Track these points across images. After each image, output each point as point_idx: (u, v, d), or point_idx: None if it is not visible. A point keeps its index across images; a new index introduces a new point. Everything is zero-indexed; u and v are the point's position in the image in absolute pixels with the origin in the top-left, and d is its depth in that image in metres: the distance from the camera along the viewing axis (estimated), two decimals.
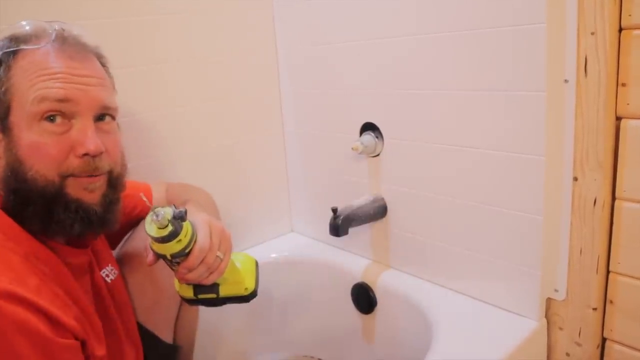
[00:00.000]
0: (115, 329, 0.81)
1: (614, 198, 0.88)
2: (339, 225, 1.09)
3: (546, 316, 0.99)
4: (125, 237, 0.98)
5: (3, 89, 0.66)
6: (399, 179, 1.15)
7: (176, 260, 0.71)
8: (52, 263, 0.68)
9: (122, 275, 0.90)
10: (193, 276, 0.72)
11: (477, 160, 0.98)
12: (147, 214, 0.96)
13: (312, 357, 1.39)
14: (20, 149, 0.65)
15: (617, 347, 0.93)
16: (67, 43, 0.69)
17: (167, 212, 0.67)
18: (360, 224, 1.16)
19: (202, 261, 0.71)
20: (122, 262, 0.93)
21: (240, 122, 1.34)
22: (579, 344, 0.96)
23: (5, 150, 0.66)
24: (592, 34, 0.83)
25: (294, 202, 1.49)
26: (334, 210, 1.11)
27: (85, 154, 0.67)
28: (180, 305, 1.00)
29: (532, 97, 0.87)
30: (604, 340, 0.95)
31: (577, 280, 0.94)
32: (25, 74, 0.65)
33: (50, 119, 0.65)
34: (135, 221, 0.96)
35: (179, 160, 1.24)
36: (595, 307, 0.93)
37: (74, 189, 0.68)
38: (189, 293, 0.77)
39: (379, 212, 1.19)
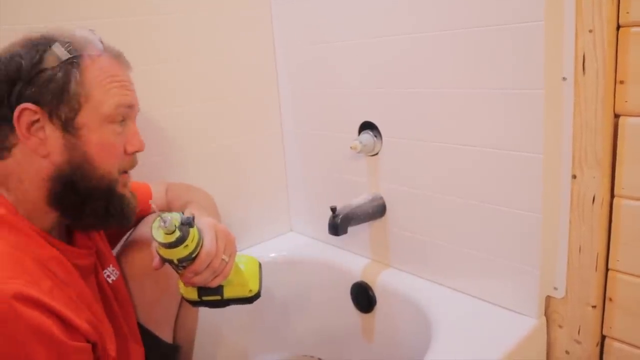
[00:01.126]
0: (121, 329, 0.82)
1: (612, 195, 0.88)
2: (338, 225, 1.09)
3: (545, 314, 0.99)
4: (125, 236, 0.98)
5: (78, 90, 0.69)
6: (398, 177, 1.15)
7: (182, 265, 0.71)
8: (63, 265, 0.69)
9: (123, 275, 0.90)
10: (199, 280, 0.73)
11: (475, 158, 0.98)
12: (148, 213, 0.97)
13: (311, 357, 1.39)
14: (90, 147, 0.70)
15: (616, 344, 0.93)
16: (114, 52, 0.76)
17: (175, 218, 0.68)
18: (359, 223, 1.16)
19: (208, 265, 0.72)
20: (122, 261, 0.93)
21: (238, 122, 1.34)
22: (578, 342, 0.96)
23: (65, 149, 0.70)
24: (590, 31, 0.83)
25: (293, 202, 1.49)
26: (333, 210, 1.11)
27: (135, 151, 0.77)
28: (180, 304, 1.00)
29: (530, 95, 0.87)
30: (603, 337, 0.95)
31: (576, 278, 0.94)
32: (99, 80, 0.71)
33: (121, 122, 0.74)
34: (136, 220, 0.96)
35: (178, 160, 1.24)
36: (594, 304, 0.93)
37: (119, 186, 0.76)
38: (193, 295, 0.77)
39: (377, 211, 1.19)
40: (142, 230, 0.96)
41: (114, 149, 0.73)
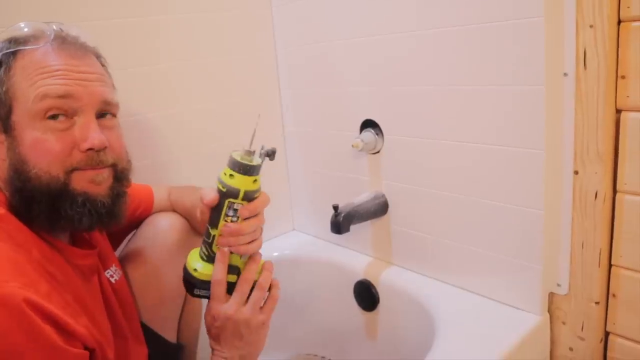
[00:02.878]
0: (122, 330, 0.81)
1: (615, 191, 0.88)
2: (341, 223, 1.09)
3: (549, 311, 0.99)
4: (128, 237, 0.99)
5: (4, 89, 0.66)
6: (400, 175, 1.15)
7: (236, 207, 0.69)
8: (61, 267, 0.68)
9: (126, 275, 0.91)
10: (245, 229, 0.70)
11: (477, 155, 0.98)
12: (149, 214, 0.97)
13: (315, 355, 1.39)
14: (23, 147, 0.65)
15: (620, 340, 0.92)
16: (66, 42, 0.70)
17: (258, 148, 0.68)
18: (361, 221, 1.16)
19: (257, 216, 0.71)
20: (126, 262, 0.93)
21: (239, 121, 1.34)
22: (582, 338, 0.96)
23: (8, 151, 0.67)
24: (591, 26, 0.83)
25: (295, 201, 1.49)
26: (335, 208, 1.11)
27: (90, 149, 0.67)
28: (184, 304, 1.00)
29: (531, 91, 0.87)
30: (607, 334, 0.94)
31: (579, 274, 0.94)
32: (25, 73, 0.66)
33: (53, 117, 0.66)
34: (137, 221, 0.96)
35: (179, 160, 1.24)
36: (597, 301, 0.93)
37: (80, 183, 0.68)
38: (208, 271, 0.73)
39: (380, 209, 1.19)
40: (145, 230, 0.96)
41: (50, 148, 0.65)
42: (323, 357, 1.38)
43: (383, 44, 1.09)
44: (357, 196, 1.19)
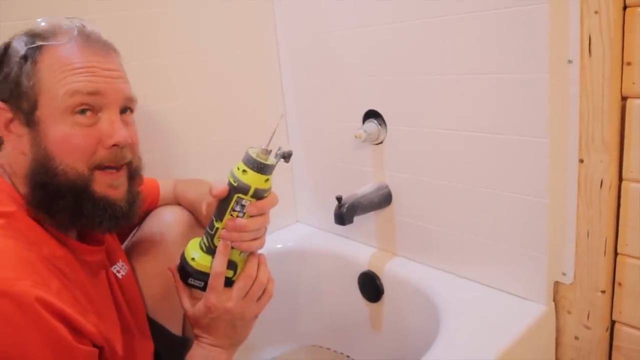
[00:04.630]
0: (128, 326, 0.81)
1: (620, 179, 0.87)
2: (344, 214, 1.09)
3: (554, 300, 0.98)
4: (134, 230, 0.99)
5: (30, 83, 0.66)
6: (403, 166, 1.14)
7: (244, 202, 0.70)
8: (70, 263, 0.68)
9: (132, 269, 0.91)
10: (250, 226, 0.71)
11: (481, 144, 0.97)
12: (155, 207, 0.97)
13: (320, 347, 1.40)
14: (49, 142, 0.66)
15: (626, 329, 0.92)
16: (90, 39, 0.70)
17: (275, 148, 0.69)
18: (365, 212, 1.16)
19: (263, 215, 0.72)
20: (131, 255, 0.93)
21: (241, 114, 1.34)
22: (587, 327, 0.96)
23: (31, 145, 0.67)
24: (596, 12, 0.82)
25: (299, 193, 1.49)
26: (339, 199, 1.10)
27: (114, 145, 0.69)
28: None
29: (536, 79, 0.86)
30: (613, 322, 0.94)
31: (584, 263, 0.93)
32: (53, 69, 0.67)
33: (82, 112, 0.67)
34: (144, 214, 0.97)
35: (182, 153, 1.24)
36: (603, 289, 0.92)
37: (100, 186, 0.69)
38: (206, 262, 0.73)
39: (383, 200, 1.18)
40: (150, 224, 0.96)
41: (77, 143, 0.67)
42: (328, 349, 1.38)
43: (385, 34, 1.08)
44: (361, 187, 1.19)
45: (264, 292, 0.76)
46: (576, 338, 0.98)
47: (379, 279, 1.21)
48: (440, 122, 1.03)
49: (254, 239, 0.73)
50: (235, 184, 0.69)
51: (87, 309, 0.65)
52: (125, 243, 0.97)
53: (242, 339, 0.78)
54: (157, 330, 0.91)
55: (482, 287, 1.05)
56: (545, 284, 0.95)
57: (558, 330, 1.00)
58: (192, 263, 0.74)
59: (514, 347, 0.88)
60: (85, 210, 0.68)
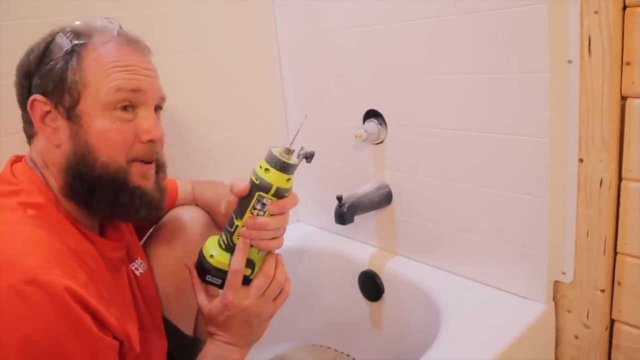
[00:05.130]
0: (145, 324, 0.82)
1: (620, 178, 0.88)
2: (345, 213, 1.09)
3: (554, 299, 0.99)
4: (151, 229, 0.99)
5: (76, 79, 0.69)
6: (403, 165, 1.14)
7: (265, 201, 0.70)
8: (94, 258, 0.70)
9: (149, 267, 0.91)
10: (270, 225, 0.71)
11: (481, 144, 0.97)
12: (174, 206, 0.97)
13: (321, 346, 1.40)
14: (90, 136, 0.69)
15: (625, 328, 0.92)
16: (130, 39, 0.74)
17: (297, 148, 0.70)
18: (365, 212, 1.16)
19: (283, 214, 0.72)
20: (148, 253, 0.94)
21: (242, 113, 1.34)
22: (587, 326, 0.96)
23: (70, 138, 0.70)
24: (596, 12, 0.82)
25: (299, 192, 1.47)
26: (339, 199, 1.11)
27: (150, 141, 0.73)
28: None
29: (535, 79, 0.86)
30: (612, 321, 0.94)
31: (584, 262, 0.94)
32: (98, 66, 0.70)
33: (123, 108, 0.71)
34: (162, 214, 0.97)
35: (183, 153, 1.24)
36: (603, 288, 0.92)
37: (135, 177, 0.73)
38: (224, 259, 0.73)
39: (384, 199, 1.18)
40: (167, 223, 0.97)
41: (118, 137, 0.70)
42: (329, 348, 1.39)
43: (386, 33, 1.09)
44: (361, 187, 1.19)
45: (280, 291, 0.77)
46: (576, 337, 0.98)
47: (379, 278, 1.21)
48: (441, 121, 1.03)
49: (273, 238, 0.73)
50: (257, 182, 0.70)
51: (109, 303, 0.66)
52: (142, 241, 0.98)
53: (256, 338, 0.79)
54: (169, 330, 0.91)
55: (482, 286, 1.05)
56: (545, 283, 0.95)
57: (558, 329, 1.00)
58: (210, 260, 0.74)
59: (514, 346, 0.88)
60: (122, 200, 0.71)
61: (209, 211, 0.98)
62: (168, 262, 0.93)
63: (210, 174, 1.14)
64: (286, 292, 0.77)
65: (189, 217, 0.97)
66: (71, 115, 0.69)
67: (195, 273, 0.76)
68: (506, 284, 1.01)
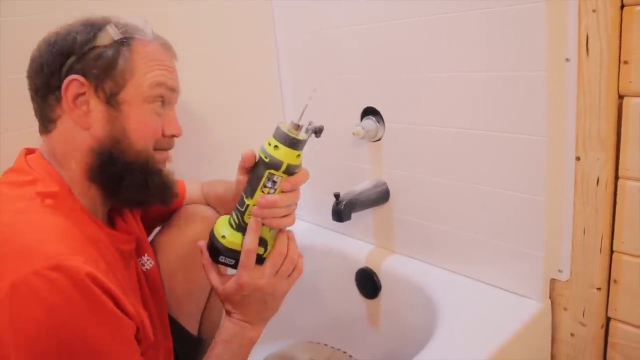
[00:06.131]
0: (152, 318, 0.82)
1: (617, 177, 0.88)
2: (342, 211, 1.09)
3: (550, 297, 0.99)
4: (158, 227, 1.00)
5: (125, 67, 0.72)
6: (401, 163, 1.14)
7: (275, 179, 0.70)
8: (109, 249, 0.71)
9: (157, 264, 0.92)
10: (281, 202, 0.71)
11: (479, 142, 0.97)
12: (181, 204, 0.98)
13: (318, 343, 1.40)
14: (129, 123, 0.73)
15: (621, 326, 0.93)
16: (166, 43, 0.80)
17: (306, 123, 0.70)
18: (363, 209, 1.17)
19: (294, 191, 0.73)
20: (156, 250, 0.94)
21: (240, 112, 1.34)
22: (583, 324, 0.97)
23: (107, 122, 0.72)
24: (594, 11, 0.82)
25: None
26: (337, 196, 1.11)
27: (173, 135, 0.79)
28: (209, 297, 1.00)
29: (533, 77, 0.86)
30: (608, 319, 0.95)
31: (580, 261, 0.94)
32: (145, 60, 0.74)
33: (160, 102, 0.76)
34: (169, 212, 0.98)
35: (180, 151, 1.23)
36: (599, 286, 0.93)
37: (158, 163, 0.78)
38: (237, 240, 0.73)
39: (381, 196, 1.19)
40: (175, 221, 0.97)
41: (151, 128, 0.75)
42: (326, 345, 1.39)
43: (383, 31, 1.08)
44: (359, 184, 1.19)
45: (294, 268, 0.78)
46: (572, 335, 0.99)
47: (376, 276, 1.21)
48: (439, 119, 1.03)
49: (285, 216, 0.73)
50: (266, 160, 0.69)
51: (125, 291, 0.67)
52: (150, 238, 0.98)
53: (271, 314, 0.79)
54: (175, 329, 0.91)
55: (479, 283, 1.05)
56: (541, 281, 0.96)
57: (554, 327, 1.01)
58: (222, 241, 0.73)
59: (511, 344, 0.88)
60: (151, 183, 0.76)
61: (221, 206, 0.99)
62: (175, 259, 0.94)
63: (207, 174, 1.13)
64: (300, 269, 0.78)
65: (197, 214, 0.97)
66: (112, 101, 0.72)
67: (207, 254, 0.76)
68: (503, 281, 1.02)
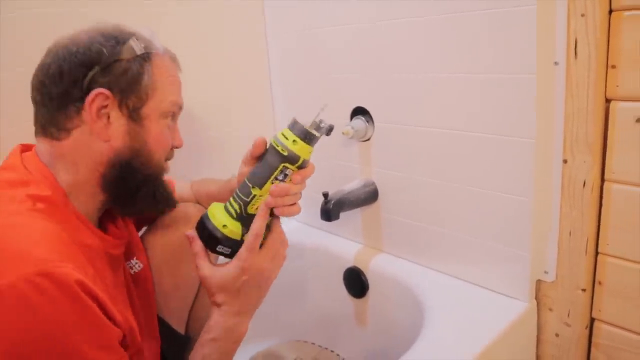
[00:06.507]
0: (139, 321, 0.81)
1: (603, 180, 0.89)
2: (330, 210, 1.09)
3: (536, 298, 1.00)
4: (145, 227, 0.99)
5: (148, 83, 0.73)
6: (390, 163, 1.15)
7: (288, 172, 0.71)
8: (99, 255, 0.71)
9: (147, 265, 0.91)
10: (292, 190, 0.73)
11: (467, 143, 0.98)
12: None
13: (305, 342, 1.40)
14: (149, 137, 0.75)
15: (605, 327, 0.94)
16: (173, 55, 0.81)
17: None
18: (351, 209, 1.17)
19: (302, 183, 0.75)
20: (145, 247, 0.94)
21: (230, 111, 1.33)
22: (568, 325, 0.98)
23: (127, 135, 0.73)
24: (582, 15, 0.83)
25: None
26: (325, 195, 1.11)
27: (176, 147, 0.82)
28: (196, 296, 1.00)
29: (522, 80, 0.87)
30: (592, 320, 0.96)
31: (566, 262, 0.95)
32: (165, 76, 0.76)
33: (172, 118, 0.79)
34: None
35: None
36: (584, 288, 0.94)
37: (165, 173, 0.81)
38: (237, 229, 0.73)
39: (370, 196, 1.19)
40: (164, 220, 0.97)
41: (166, 141, 0.78)
42: (313, 343, 1.39)
43: (374, 32, 1.08)
44: (347, 184, 1.19)
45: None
46: (557, 335, 1.00)
47: (364, 275, 1.21)
48: (428, 120, 1.04)
49: (292, 204, 0.75)
50: (285, 154, 0.70)
51: (113, 297, 0.66)
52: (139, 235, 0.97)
53: (259, 304, 0.79)
54: (162, 328, 0.91)
55: (466, 284, 1.06)
56: (527, 282, 0.97)
57: (539, 327, 1.02)
58: (224, 230, 0.73)
59: (497, 344, 0.89)
60: (158, 194, 0.78)
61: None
62: (163, 258, 0.93)
63: (196, 173, 1.13)
64: (285, 255, 0.80)
65: (185, 213, 0.97)
66: (135, 115, 0.73)
67: (196, 243, 0.75)
68: (489, 282, 1.02)
